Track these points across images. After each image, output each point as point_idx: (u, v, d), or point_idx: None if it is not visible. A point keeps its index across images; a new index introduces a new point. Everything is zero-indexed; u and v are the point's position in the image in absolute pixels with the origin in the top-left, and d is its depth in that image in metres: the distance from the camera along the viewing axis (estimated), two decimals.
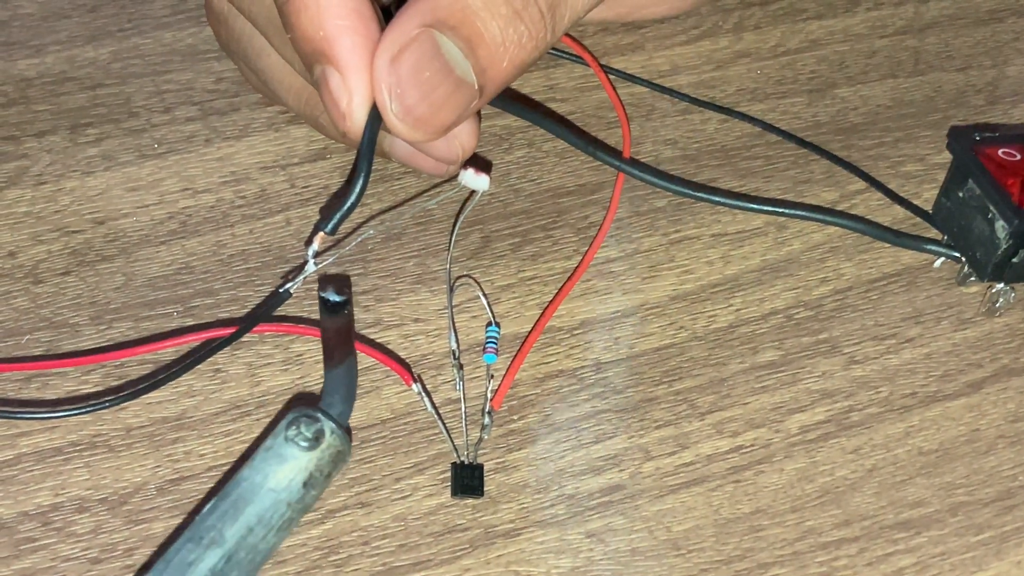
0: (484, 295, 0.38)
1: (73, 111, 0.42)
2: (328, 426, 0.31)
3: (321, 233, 0.33)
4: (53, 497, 0.33)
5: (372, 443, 0.35)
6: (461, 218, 0.40)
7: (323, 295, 0.31)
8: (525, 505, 0.34)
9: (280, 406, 0.35)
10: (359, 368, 0.36)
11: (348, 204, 0.33)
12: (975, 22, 0.49)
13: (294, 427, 0.30)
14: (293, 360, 0.36)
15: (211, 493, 0.34)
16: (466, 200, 0.40)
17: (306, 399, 0.36)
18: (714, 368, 0.37)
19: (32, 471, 0.34)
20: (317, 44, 0.33)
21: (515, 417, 0.36)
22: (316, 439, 0.30)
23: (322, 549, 0.33)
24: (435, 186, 0.41)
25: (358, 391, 0.36)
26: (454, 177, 0.36)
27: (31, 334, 0.36)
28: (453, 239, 0.39)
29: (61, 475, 0.34)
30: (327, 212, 0.36)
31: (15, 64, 0.44)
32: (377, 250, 0.39)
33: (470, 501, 0.34)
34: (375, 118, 0.33)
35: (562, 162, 0.42)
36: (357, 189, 0.33)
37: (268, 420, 0.35)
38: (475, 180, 0.35)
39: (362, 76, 0.32)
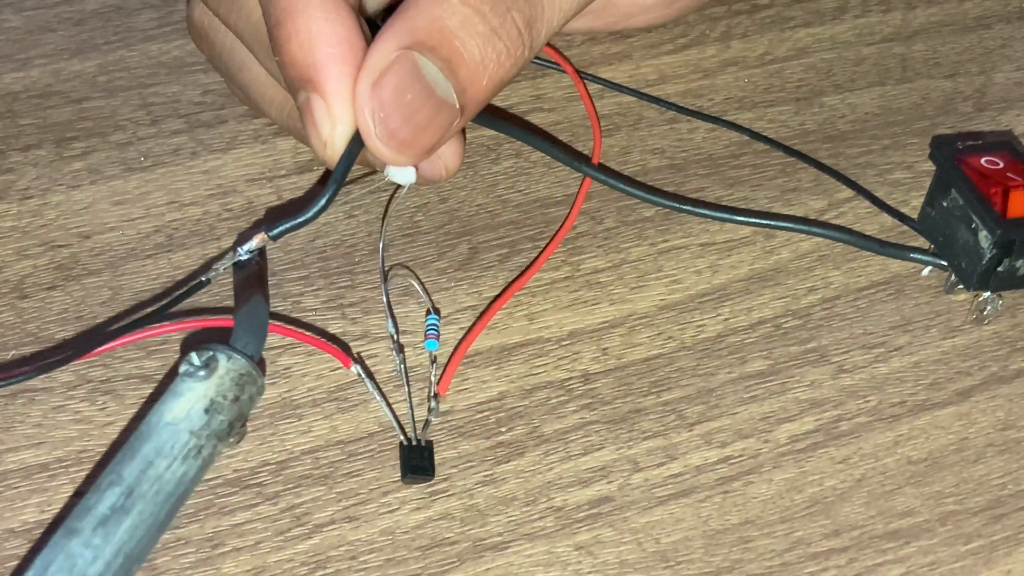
0: (421, 284, 0.38)
1: (59, 125, 0.42)
2: (223, 353, 0.31)
3: (262, 233, 0.33)
4: (39, 514, 0.33)
5: (359, 456, 0.35)
6: (391, 209, 0.40)
7: (236, 252, 0.33)
8: (513, 518, 0.34)
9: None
10: (345, 381, 0.36)
11: (301, 219, 0.33)
12: (962, 29, 0.49)
13: (185, 362, 0.31)
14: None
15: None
16: (393, 192, 0.40)
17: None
18: (702, 378, 0.37)
19: (18, 488, 0.34)
20: (304, 71, 0.33)
21: (503, 429, 0.36)
22: (208, 366, 0.31)
23: (309, 564, 0.33)
24: (367, 175, 0.41)
25: (346, 404, 0.36)
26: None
27: (16, 349, 0.36)
28: (384, 231, 0.39)
29: (47, 492, 0.34)
30: (275, 216, 0.37)
31: (0, 78, 0.44)
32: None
33: (458, 515, 0.34)
34: (355, 144, 0.33)
35: (550, 172, 0.42)
36: (315, 209, 0.33)
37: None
38: (400, 174, 0.35)
39: (347, 105, 0.33)
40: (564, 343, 0.38)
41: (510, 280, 0.39)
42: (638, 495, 0.34)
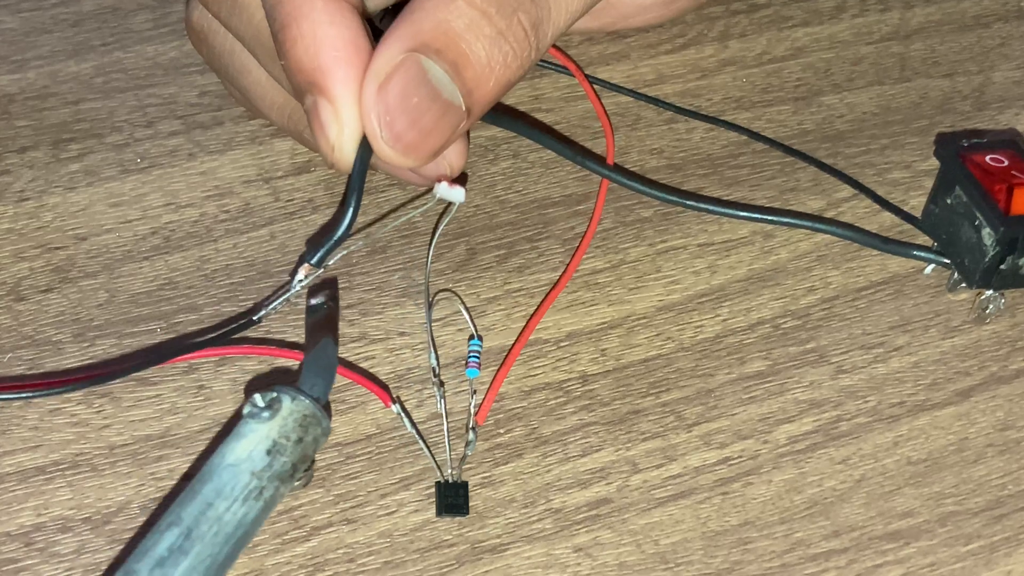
0: (466, 308, 0.38)
1: (55, 126, 0.42)
2: (287, 394, 0.31)
3: (306, 265, 0.33)
4: (36, 517, 0.33)
5: (357, 459, 0.35)
6: (439, 232, 0.39)
7: (309, 302, 0.33)
8: (512, 520, 0.34)
9: None
10: (342, 384, 0.36)
11: (336, 237, 0.33)
12: (961, 28, 0.48)
13: (249, 404, 0.31)
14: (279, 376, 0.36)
15: None
16: (443, 212, 0.40)
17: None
18: (701, 379, 0.37)
19: (15, 491, 0.33)
20: (310, 75, 0.32)
21: (501, 431, 0.35)
22: (271, 407, 0.31)
23: (307, 567, 0.33)
24: (418, 197, 0.41)
25: (343, 406, 0.36)
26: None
27: (13, 352, 0.36)
28: (431, 254, 0.39)
29: (44, 495, 0.33)
30: (314, 243, 0.36)
31: None
32: (361, 263, 0.39)
33: (456, 517, 0.34)
34: (366, 149, 0.33)
35: (548, 173, 0.42)
36: (346, 222, 0.33)
37: None
38: (450, 192, 0.34)
39: (354, 109, 0.32)
40: (562, 344, 0.37)
41: (511, 284, 0.39)
42: (637, 496, 0.34)
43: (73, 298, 0.38)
